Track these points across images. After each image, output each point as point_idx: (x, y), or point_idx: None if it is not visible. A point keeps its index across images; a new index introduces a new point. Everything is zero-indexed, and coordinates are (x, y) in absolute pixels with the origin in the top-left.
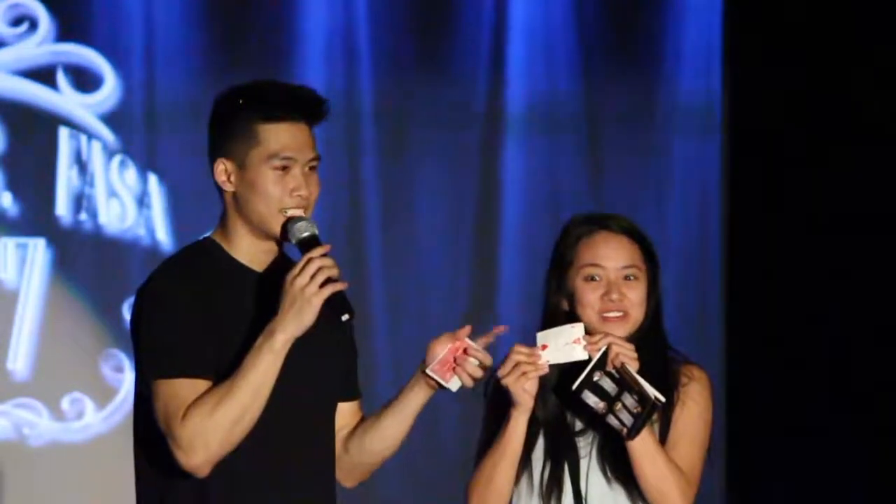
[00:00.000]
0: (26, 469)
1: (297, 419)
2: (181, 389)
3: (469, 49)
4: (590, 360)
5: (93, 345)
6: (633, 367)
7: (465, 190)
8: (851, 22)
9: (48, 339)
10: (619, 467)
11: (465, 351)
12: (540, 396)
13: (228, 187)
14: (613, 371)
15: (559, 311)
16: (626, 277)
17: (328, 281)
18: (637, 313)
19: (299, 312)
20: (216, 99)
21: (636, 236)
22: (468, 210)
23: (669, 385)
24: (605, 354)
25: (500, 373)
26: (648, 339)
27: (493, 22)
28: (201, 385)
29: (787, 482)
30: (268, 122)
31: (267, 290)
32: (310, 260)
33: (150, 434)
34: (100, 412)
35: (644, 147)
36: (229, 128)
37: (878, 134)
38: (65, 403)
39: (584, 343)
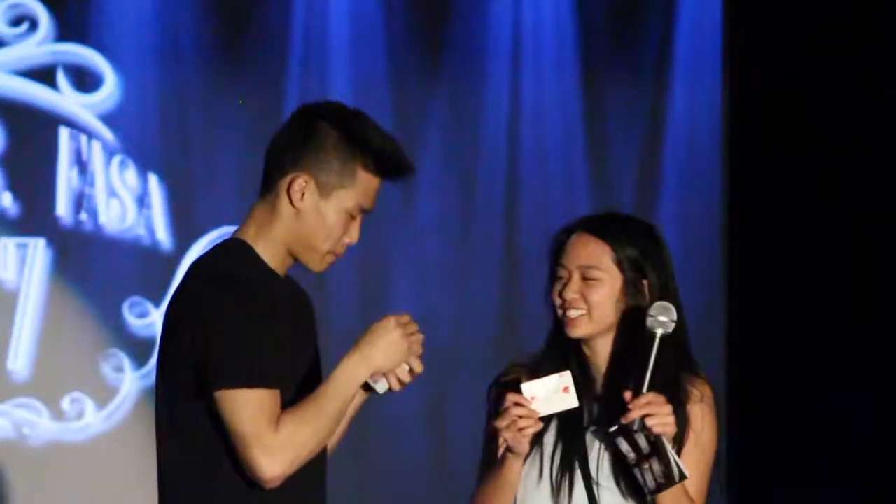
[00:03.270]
0: (26, 469)
1: None
2: (270, 399)
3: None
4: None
5: (93, 345)
6: (668, 437)
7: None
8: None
9: (48, 339)
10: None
11: None
12: None
13: (297, 202)
14: (650, 434)
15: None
16: (584, 278)
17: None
18: (599, 315)
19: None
20: (319, 113)
21: (610, 238)
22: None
23: (677, 402)
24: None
25: (499, 424)
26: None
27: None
28: (279, 397)
29: (788, 488)
30: (369, 172)
31: (289, 295)
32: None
33: (208, 437)
34: (100, 412)
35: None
36: (330, 154)
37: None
38: (65, 403)
39: (573, 391)
